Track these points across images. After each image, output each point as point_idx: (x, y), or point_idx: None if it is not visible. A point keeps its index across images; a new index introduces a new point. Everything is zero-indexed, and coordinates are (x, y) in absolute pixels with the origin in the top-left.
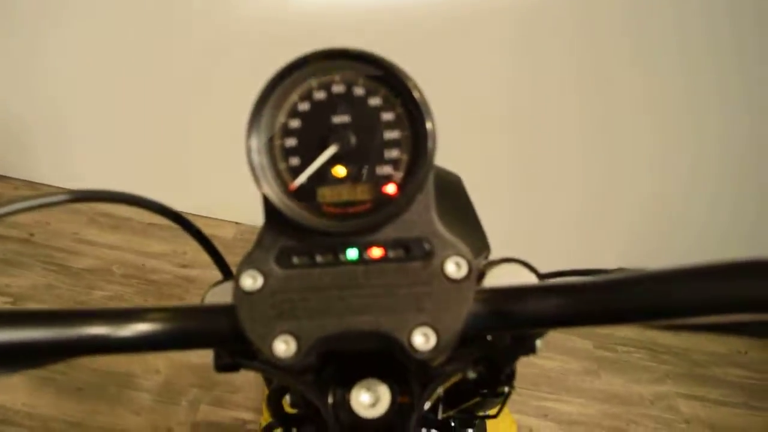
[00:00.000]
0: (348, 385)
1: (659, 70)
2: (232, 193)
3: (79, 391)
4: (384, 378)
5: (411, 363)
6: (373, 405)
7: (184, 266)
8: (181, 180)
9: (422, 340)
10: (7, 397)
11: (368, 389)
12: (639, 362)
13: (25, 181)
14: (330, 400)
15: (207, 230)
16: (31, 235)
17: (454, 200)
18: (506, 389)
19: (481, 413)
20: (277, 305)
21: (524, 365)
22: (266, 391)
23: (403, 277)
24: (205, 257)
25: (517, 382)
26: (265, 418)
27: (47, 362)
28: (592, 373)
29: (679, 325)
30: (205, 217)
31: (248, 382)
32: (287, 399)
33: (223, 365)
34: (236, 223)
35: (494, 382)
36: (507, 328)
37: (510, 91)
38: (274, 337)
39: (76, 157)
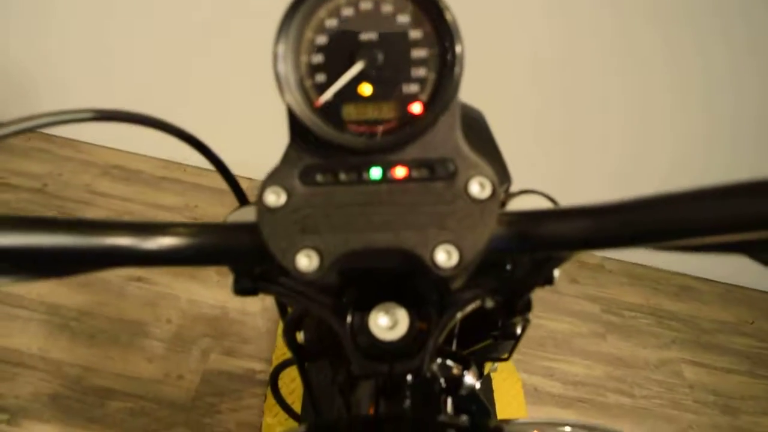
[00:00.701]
0: (367, 309)
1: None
2: (246, 150)
3: (92, 338)
4: (403, 303)
5: (432, 282)
6: (392, 328)
7: (194, 218)
8: (195, 126)
9: (445, 257)
10: (22, 341)
11: (387, 312)
12: (646, 328)
13: (37, 132)
14: (348, 321)
15: (217, 183)
16: (45, 185)
17: (477, 134)
18: (518, 330)
19: (493, 357)
20: (300, 221)
21: (531, 327)
22: (280, 325)
23: (427, 197)
24: (216, 210)
25: (523, 344)
26: (277, 356)
27: (73, 272)
28: (598, 336)
29: (697, 247)
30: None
31: (258, 334)
32: (301, 336)
33: (243, 289)
34: (250, 179)
35: (511, 313)
36: (528, 250)
37: (540, 33)
38: (296, 251)
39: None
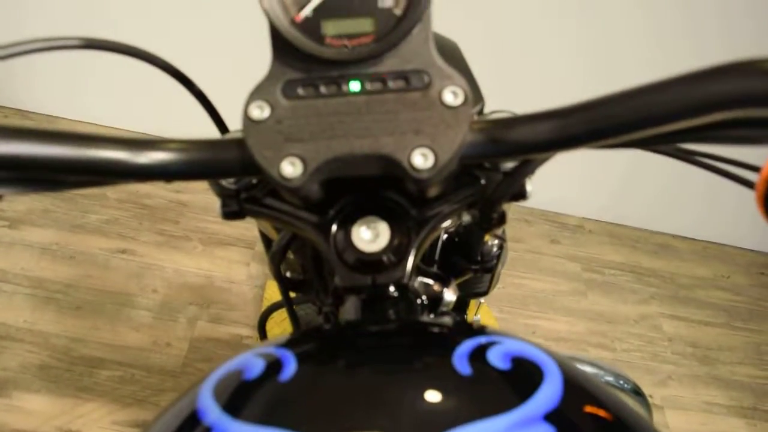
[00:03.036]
0: (350, 224)
1: None
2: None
3: (78, 310)
4: (384, 217)
5: (410, 194)
6: (374, 241)
7: (177, 191)
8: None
9: (421, 159)
10: (9, 315)
11: (369, 226)
12: (625, 284)
13: (14, 109)
14: (332, 236)
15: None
16: None
17: (452, 62)
18: (495, 262)
19: (473, 292)
20: (284, 131)
21: (514, 287)
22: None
23: (403, 106)
24: (197, 184)
25: (506, 303)
26: (267, 298)
27: (65, 185)
28: (579, 293)
29: (669, 144)
30: None
31: (244, 300)
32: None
33: (230, 212)
34: None
35: (487, 225)
36: (500, 154)
37: None
38: (281, 159)
39: (56, 84)
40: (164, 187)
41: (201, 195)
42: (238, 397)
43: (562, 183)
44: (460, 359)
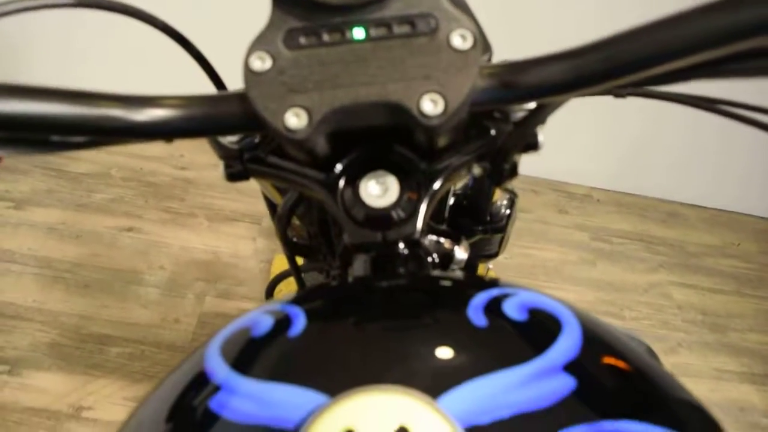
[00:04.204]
0: (357, 180)
1: None
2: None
3: (86, 288)
4: (392, 172)
5: (420, 145)
6: (382, 196)
7: (182, 168)
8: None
9: (431, 105)
10: (17, 295)
11: (377, 181)
12: (634, 253)
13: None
14: (340, 193)
15: None
16: None
17: (458, 8)
18: (506, 222)
19: (484, 253)
20: (287, 82)
21: (522, 256)
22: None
23: (410, 51)
24: (201, 158)
25: (514, 273)
26: (274, 273)
27: (60, 146)
28: (588, 263)
29: (684, 73)
30: None
31: (252, 275)
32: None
33: (233, 174)
34: None
35: (498, 178)
36: (513, 99)
37: None
38: (285, 110)
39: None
40: (169, 164)
41: (206, 172)
42: (246, 355)
43: (569, 153)
44: (475, 311)
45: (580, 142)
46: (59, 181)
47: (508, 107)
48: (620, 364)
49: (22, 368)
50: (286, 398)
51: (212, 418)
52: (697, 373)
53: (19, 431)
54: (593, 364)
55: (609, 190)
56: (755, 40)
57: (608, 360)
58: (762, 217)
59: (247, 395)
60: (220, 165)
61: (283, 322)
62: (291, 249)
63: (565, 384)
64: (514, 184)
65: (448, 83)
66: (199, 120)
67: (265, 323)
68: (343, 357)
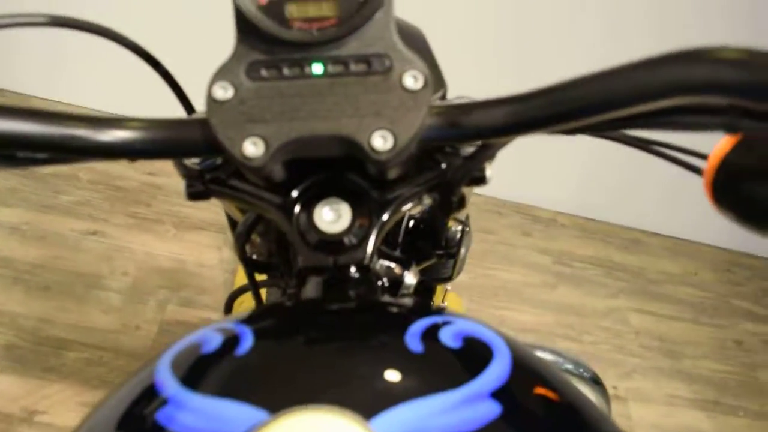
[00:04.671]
0: (312, 206)
1: None
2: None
3: (46, 290)
4: (346, 199)
5: (371, 176)
6: (335, 221)
7: (150, 174)
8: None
9: (381, 141)
10: None
11: (331, 207)
12: (595, 278)
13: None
14: (295, 217)
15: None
16: None
17: (416, 49)
18: (458, 248)
19: (437, 278)
20: (247, 112)
21: (484, 277)
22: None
23: (365, 89)
24: (170, 165)
25: (475, 294)
26: (237, 283)
27: (26, 162)
28: (549, 286)
29: (620, 130)
30: None
31: (215, 285)
32: (250, 250)
33: (195, 193)
34: None
35: (447, 209)
36: (459, 138)
37: None
38: (243, 138)
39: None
40: (137, 169)
41: (175, 178)
42: (195, 371)
43: (535, 177)
44: (413, 337)
45: (547, 167)
46: (23, 180)
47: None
48: (548, 393)
49: None
50: (229, 414)
51: (159, 430)
52: (651, 398)
53: None
54: (520, 393)
55: (574, 215)
56: (688, 97)
57: (536, 389)
58: (720, 248)
59: (193, 410)
60: (182, 183)
61: (231, 341)
62: (249, 265)
63: (491, 410)
64: (477, 205)
65: (398, 121)
66: (161, 143)
67: (214, 340)
68: (284, 376)
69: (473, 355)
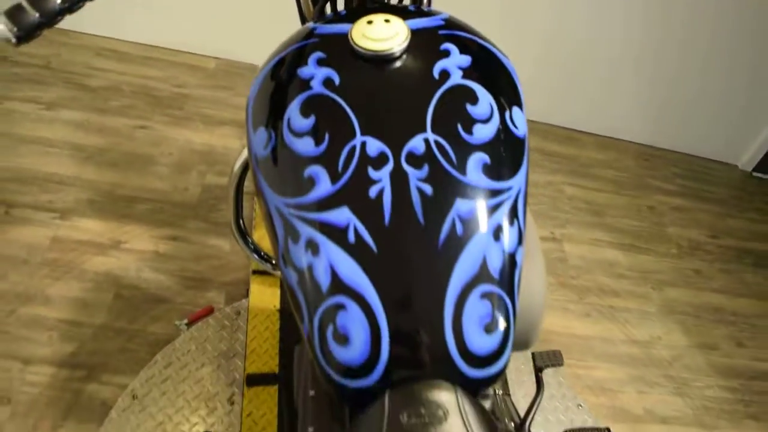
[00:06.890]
0: None
1: None
2: (212, 31)
3: (113, 166)
4: None
5: None
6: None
7: (178, 86)
8: (168, 17)
9: None
10: (59, 168)
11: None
12: (537, 161)
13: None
14: None
15: (192, 62)
16: (48, 62)
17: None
18: None
19: None
20: None
21: None
22: None
23: None
24: (193, 80)
25: None
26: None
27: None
28: None
29: None
30: (190, 53)
31: None
32: None
33: None
34: (215, 57)
35: None
36: None
37: None
38: None
39: None
40: (167, 83)
41: (197, 90)
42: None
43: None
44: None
45: None
46: (80, 92)
47: None
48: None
49: (71, 215)
50: None
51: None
52: (579, 241)
53: (73, 256)
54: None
55: None
56: None
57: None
58: (641, 143)
59: None
60: (214, 95)
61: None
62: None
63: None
64: None
65: None
66: None
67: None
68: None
69: None
